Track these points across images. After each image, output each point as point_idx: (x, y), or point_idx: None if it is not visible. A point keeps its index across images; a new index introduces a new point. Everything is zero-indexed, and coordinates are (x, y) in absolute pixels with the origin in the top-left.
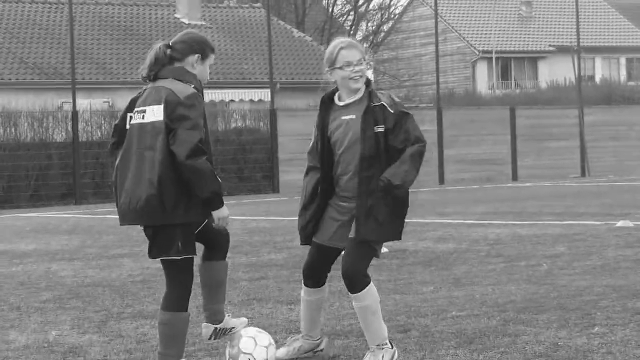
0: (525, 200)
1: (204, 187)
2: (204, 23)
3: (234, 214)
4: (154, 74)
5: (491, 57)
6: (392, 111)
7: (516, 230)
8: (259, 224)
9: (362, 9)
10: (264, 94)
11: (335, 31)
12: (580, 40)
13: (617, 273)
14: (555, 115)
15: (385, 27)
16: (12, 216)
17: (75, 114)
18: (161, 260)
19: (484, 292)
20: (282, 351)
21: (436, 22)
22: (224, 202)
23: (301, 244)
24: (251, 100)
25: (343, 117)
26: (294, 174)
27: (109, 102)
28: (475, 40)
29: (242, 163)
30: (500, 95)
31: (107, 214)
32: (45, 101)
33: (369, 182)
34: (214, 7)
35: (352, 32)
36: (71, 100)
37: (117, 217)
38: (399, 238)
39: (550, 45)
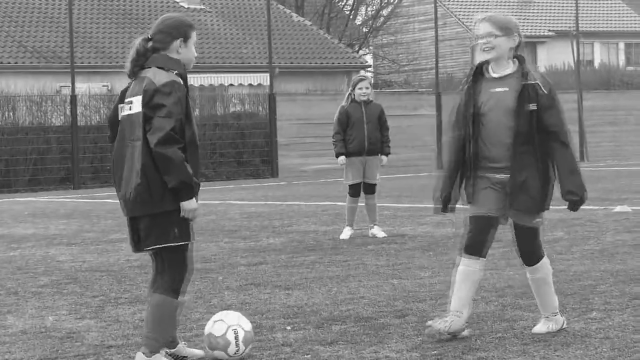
0: None
1: (172, 176)
2: (203, 7)
3: (233, 198)
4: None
5: None
6: (545, 92)
7: None
8: (258, 208)
9: None
10: (263, 78)
11: (334, 15)
12: (579, 25)
13: (615, 258)
14: None
15: (384, 12)
16: (11, 200)
17: (74, 98)
18: (158, 248)
19: (482, 277)
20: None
21: (435, 7)
22: (195, 195)
23: (440, 212)
24: (250, 85)
25: (495, 89)
26: (293, 159)
27: (107, 86)
28: (475, 25)
29: (241, 147)
30: None
31: (106, 198)
32: (44, 85)
33: (522, 157)
34: None
35: (351, 16)
36: (70, 84)
37: (116, 201)
38: (548, 208)
39: (549, 30)
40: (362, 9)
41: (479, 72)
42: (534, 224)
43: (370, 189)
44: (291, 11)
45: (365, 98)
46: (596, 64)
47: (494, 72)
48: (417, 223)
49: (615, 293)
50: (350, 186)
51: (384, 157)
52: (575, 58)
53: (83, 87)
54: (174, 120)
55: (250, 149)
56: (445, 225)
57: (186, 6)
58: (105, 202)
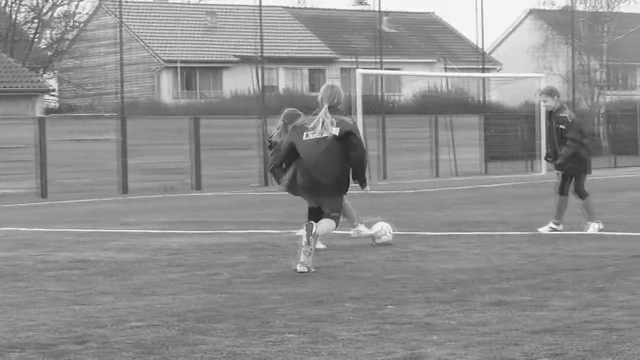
0: (207, 209)
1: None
2: None
3: None
4: None
5: (176, 67)
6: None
7: (198, 239)
8: None
9: (47, 16)
10: None
11: (18, 39)
12: (264, 51)
13: (295, 281)
14: (238, 125)
15: (69, 35)
16: None
17: None
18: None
19: (164, 302)
20: None
21: (120, 31)
22: None
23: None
24: None
25: None
26: None
27: None
28: (160, 50)
29: None
30: (184, 105)
31: None
32: None
33: None
34: None
35: (36, 39)
36: None
37: None
38: None
39: (234, 56)
40: (47, 32)
41: None
42: None
43: None
44: None
45: None
46: (281, 89)
47: None
48: (100, 248)
49: (295, 316)
50: None
51: None
52: (259, 83)
53: None
54: None
55: None
56: (129, 250)
57: None
58: None
